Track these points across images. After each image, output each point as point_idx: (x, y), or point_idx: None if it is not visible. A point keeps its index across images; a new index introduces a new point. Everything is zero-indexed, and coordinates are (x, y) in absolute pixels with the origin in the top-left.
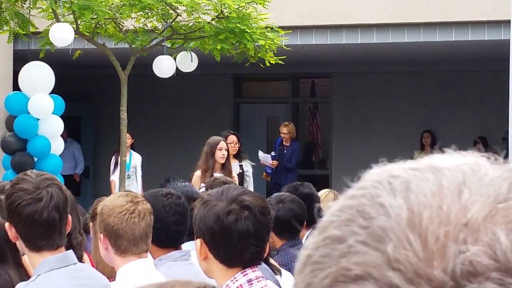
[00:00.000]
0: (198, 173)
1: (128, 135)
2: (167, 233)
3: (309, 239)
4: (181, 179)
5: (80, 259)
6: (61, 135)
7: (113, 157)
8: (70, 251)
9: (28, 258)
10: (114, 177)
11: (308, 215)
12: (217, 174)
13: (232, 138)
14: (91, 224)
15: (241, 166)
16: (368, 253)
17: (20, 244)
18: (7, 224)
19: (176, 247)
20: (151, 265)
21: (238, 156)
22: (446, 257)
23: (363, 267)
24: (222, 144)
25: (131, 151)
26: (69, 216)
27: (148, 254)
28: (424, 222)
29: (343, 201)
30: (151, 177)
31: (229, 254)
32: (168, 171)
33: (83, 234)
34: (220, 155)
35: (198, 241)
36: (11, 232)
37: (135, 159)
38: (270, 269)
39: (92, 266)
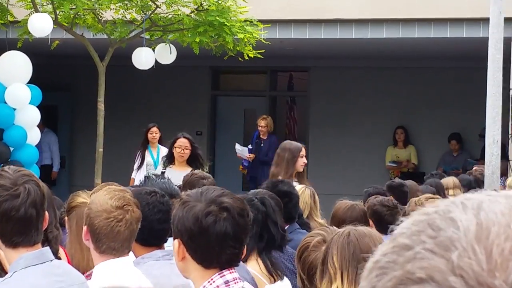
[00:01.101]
0: None
1: (155, 128)
2: (150, 231)
3: (379, 247)
4: (160, 175)
5: (56, 253)
6: (38, 126)
7: (138, 153)
8: (47, 248)
9: (4, 254)
10: (136, 175)
11: (286, 212)
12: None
13: (183, 141)
14: (66, 218)
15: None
16: (433, 259)
17: None
18: None
19: (159, 245)
20: (129, 262)
21: (193, 162)
22: (509, 269)
23: (427, 271)
24: (303, 151)
25: (159, 146)
26: (46, 212)
27: (130, 252)
28: (491, 236)
29: (416, 216)
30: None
31: (206, 255)
32: None
33: (59, 228)
34: (301, 163)
35: (176, 241)
36: None
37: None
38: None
39: (67, 259)
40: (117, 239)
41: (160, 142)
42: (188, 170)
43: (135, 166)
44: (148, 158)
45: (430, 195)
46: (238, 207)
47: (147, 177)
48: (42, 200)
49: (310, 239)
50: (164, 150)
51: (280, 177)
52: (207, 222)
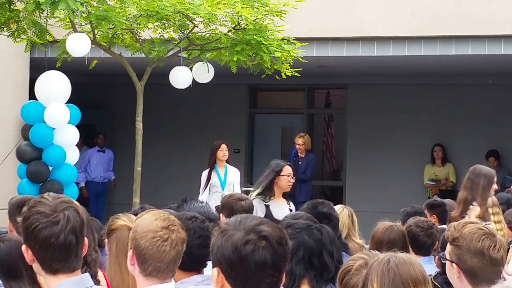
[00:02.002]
0: None
1: (225, 146)
2: (190, 256)
3: None
4: (198, 199)
5: (94, 276)
6: (76, 144)
7: (205, 172)
8: (86, 274)
9: (44, 280)
10: (203, 197)
11: None
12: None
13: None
14: (106, 240)
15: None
16: None
17: (36, 267)
18: (23, 247)
19: (199, 271)
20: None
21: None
22: None
23: None
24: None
25: (226, 165)
26: (85, 238)
27: (172, 279)
28: None
29: None
30: (164, 187)
31: (246, 284)
32: (181, 179)
33: (97, 251)
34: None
35: (215, 269)
36: (28, 255)
37: (232, 176)
38: None
39: (107, 282)
40: (163, 259)
41: (227, 161)
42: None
43: (201, 188)
44: (214, 178)
45: (469, 220)
46: (276, 235)
47: (184, 200)
48: (82, 227)
49: (352, 262)
50: (232, 170)
51: (475, 203)
52: (246, 250)
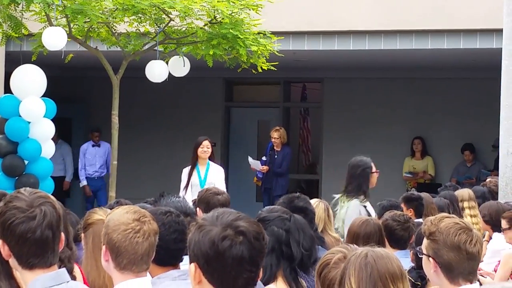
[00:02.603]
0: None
1: (207, 142)
2: (166, 251)
3: None
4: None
5: (70, 271)
6: (52, 138)
7: (185, 170)
8: (63, 269)
9: (21, 276)
10: (184, 195)
11: None
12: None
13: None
14: (82, 235)
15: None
16: None
17: (13, 262)
18: (0, 242)
19: (175, 265)
20: (148, 283)
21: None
22: None
23: None
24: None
25: (209, 163)
26: (62, 234)
27: (147, 273)
28: None
29: None
30: (140, 182)
31: (223, 279)
32: (158, 173)
33: (72, 247)
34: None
35: (192, 265)
36: (4, 250)
37: (213, 175)
38: None
39: (83, 277)
40: (136, 251)
41: (211, 158)
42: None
43: (182, 186)
44: (194, 177)
45: (446, 214)
46: (254, 230)
47: (161, 195)
48: (58, 222)
49: (331, 256)
50: (215, 169)
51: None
52: (223, 246)
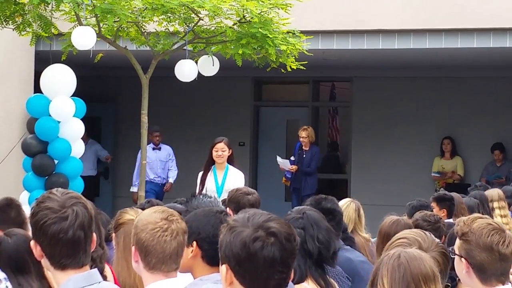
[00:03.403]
0: None
1: (222, 145)
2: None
3: None
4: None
5: (101, 271)
6: (81, 137)
7: (200, 175)
8: (95, 270)
9: (53, 276)
10: None
11: None
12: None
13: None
14: (113, 235)
15: None
16: None
17: (45, 262)
18: (32, 242)
19: None
20: (180, 285)
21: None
22: None
23: None
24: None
25: (228, 167)
26: (94, 234)
27: (178, 273)
28: None
29: None
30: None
31: (254, 281)
32: (187, 172)
33: (104, 247)
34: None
35: (224, 266)
36: (36, 250)
37: (232, 181)
38: None
39: (114, 277)
40: (165, 249)
41: (231, 161)
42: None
43: (197, 189)
44: (210, 182)
45: (478, 215)
46: (285, 231)
47: (193, 195)
48: (90, 222)
49: (406, 237)
50: (234, 174)
51: None
52: (254, 247)
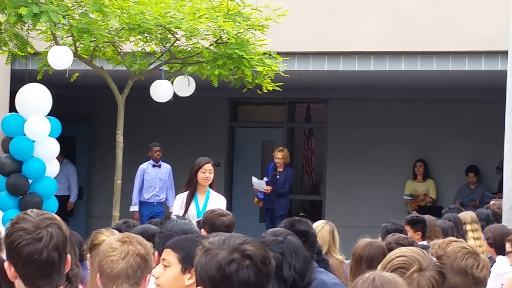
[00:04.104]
0: None
1: (209, 166)
2: None
3: None
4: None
5: None
6: (56, 157)
7: (180, 196)
8: None
9: None
10: None
11: None
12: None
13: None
14: (88, 255)
15: None
16: None
17: (18, 283)
18: (6, 263)
19: None
20: None
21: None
22: None
23: None
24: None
25: (209, 191)
26: (68, 255)
27: None
28: None
29: None
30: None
31: None
32: None
33: (79, 265)
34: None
35: None
36: (10, 271)
37: (214, 205)
38: None
39: None
40: (112, 269)
41: (211, 185)
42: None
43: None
44: (191, 207)
45: (453, 238)
46: (260, 254)
47: (167, 217)
48: (65, 244)
49: (405, 261)
50: (216, 198)
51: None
52: (230, 270)
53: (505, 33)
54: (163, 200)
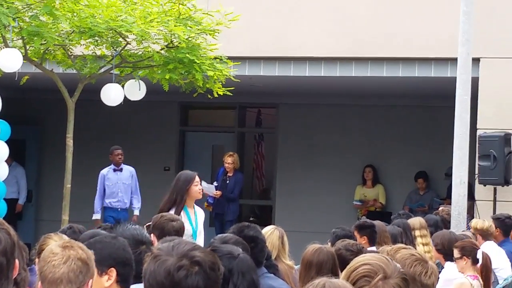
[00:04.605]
0: None
1: (198, 177)
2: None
3: None
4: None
5: None
6: (5, 160)
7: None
8: None
9: None
10: None
11: (252, 257)
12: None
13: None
14: (37, 260)
15: None
16: None
17: None
18: None
19: None
20: None
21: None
22: None
23: None
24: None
25: (195, 207)
26: (16, 260)
27: None
28: None
29: None
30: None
31: None
32: None
33: (26, 269)
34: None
35: None
36: None
37: (201, 221)
38: None
39: None
40: (54, 273)
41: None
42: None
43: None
44: (186, 223)
45: (402, 245)
46: (209, 261)
47: (118, 222)
48: (13, 249)
49: (370, 269)
50: (200, 213)
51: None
52: (179, 276)
53: (455, 40)
54: (126, 206)
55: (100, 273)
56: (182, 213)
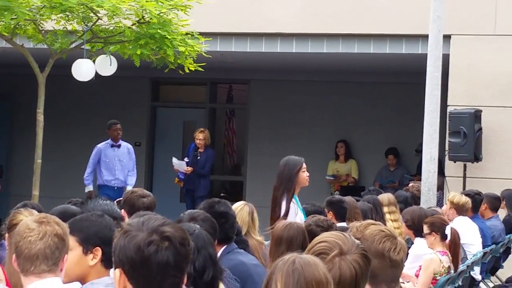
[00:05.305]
0: None
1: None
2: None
3: None
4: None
5: None
6: None
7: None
8: None
9: None
10: None
11: (222, 233)
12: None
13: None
14: (7, 235)
15: None
16: None
17: None
18: None
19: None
20: (58, 285)
21: None
22: None
23: None
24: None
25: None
26: None
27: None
28: None
29: None
30: (65, 180)
31: (148, 285)
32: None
33: None
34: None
35: (117, 270)
36: None
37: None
38: None
39: (5, 278)
40: (31, 249)
41: None
42: None
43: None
44: (299, 212)
45: (371, 221)
46: (179, 236)
47: (89, 197)
48: None
49: (327, 246)
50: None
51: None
52: (149, 251)
53: (426, 17)
54: (122, 185)
55: (85, 252)
56: (292, 201)
